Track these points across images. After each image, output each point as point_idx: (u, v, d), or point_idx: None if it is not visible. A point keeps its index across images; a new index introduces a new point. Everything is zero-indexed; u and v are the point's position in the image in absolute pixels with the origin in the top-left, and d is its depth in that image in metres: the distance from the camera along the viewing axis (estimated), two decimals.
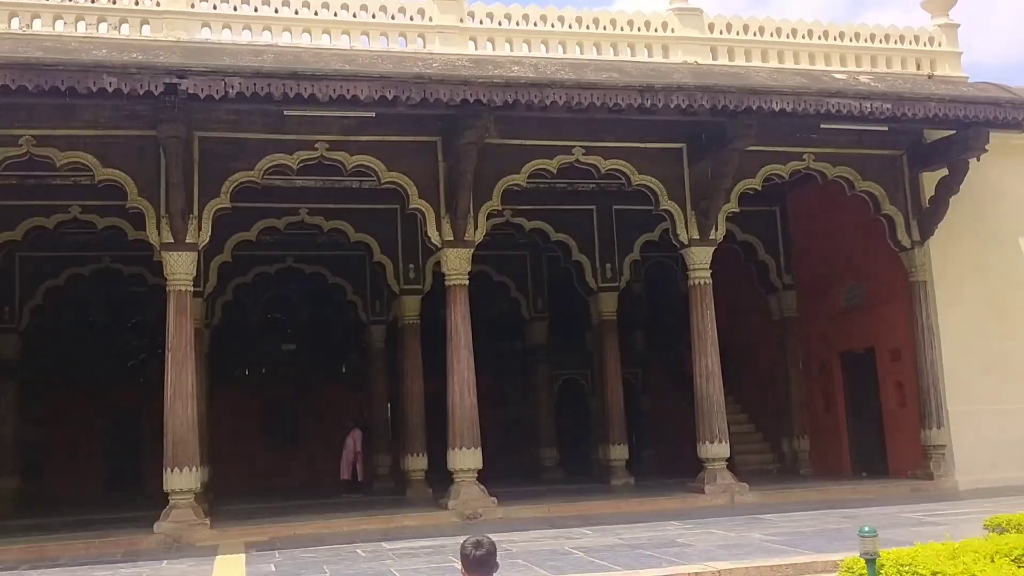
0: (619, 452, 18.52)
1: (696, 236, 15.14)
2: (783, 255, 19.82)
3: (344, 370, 26.16)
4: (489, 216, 14.61)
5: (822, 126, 14.65)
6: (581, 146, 14.77)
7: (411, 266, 17.92)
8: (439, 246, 14.25)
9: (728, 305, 20.21)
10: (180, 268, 13.14)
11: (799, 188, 19.08)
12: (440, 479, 17.88)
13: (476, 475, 13.90)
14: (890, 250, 16.48)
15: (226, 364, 24.93)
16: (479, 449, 13.88)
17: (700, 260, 15.18)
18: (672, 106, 13.30)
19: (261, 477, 24.48)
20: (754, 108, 12.86)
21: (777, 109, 12.92)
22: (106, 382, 24.62)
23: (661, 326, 24.38)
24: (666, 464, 21.66)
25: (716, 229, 15.20)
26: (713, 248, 15.30)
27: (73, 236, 18.29)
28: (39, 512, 18.61)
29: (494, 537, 4.17)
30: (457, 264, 14.17)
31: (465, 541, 3.97)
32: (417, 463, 17.56)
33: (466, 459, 13.74)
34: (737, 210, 15.84)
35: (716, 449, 14.73)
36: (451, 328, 14.13)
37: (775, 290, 19.73)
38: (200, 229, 13.37)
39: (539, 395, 22.94)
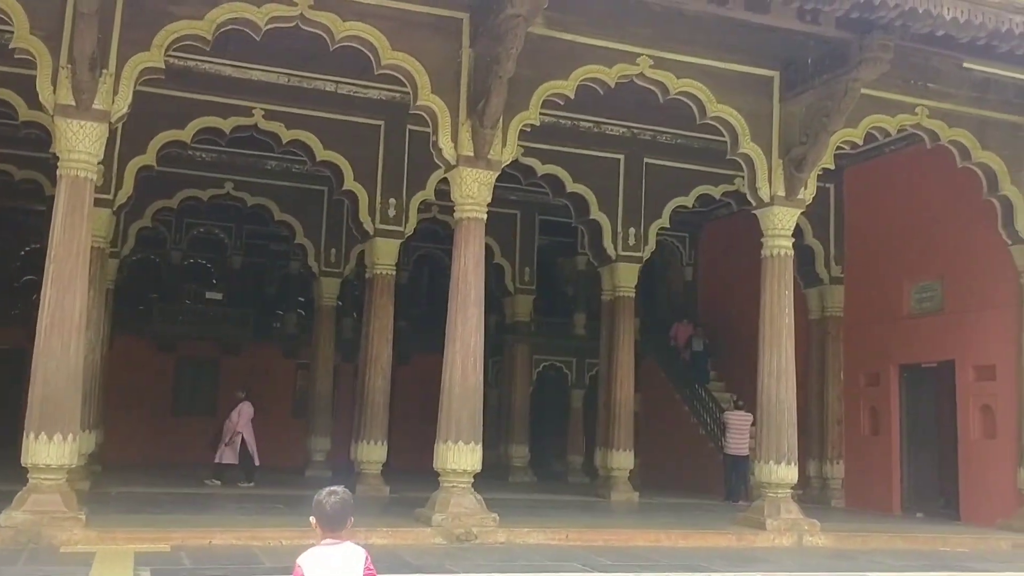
0: (623, 460, 14.91)
1: (781, 192, 11.55)
2: (833, 241, 16.45)
3: (280, 328, 22.01)
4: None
5: (964, 65, 11.24)
6: (649, 55, 11.03)
7: (392, 201, 13.94)
8: (452, 162, 10.36)
9: (748, 292, 16.91)
10: (81, 143, 8.98)
11: (860, 162, 15.76)
12: (397, 476, 14.07)
13: (472, 480, 10.07)
14: (991, 242, 13.22)
15: (133, 307, 20.58)
16: (479, 445, 10.05)
17: (782, 224, 11.58)
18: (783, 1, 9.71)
19: (165, 450, 20.14)
20: (920, 10, 9.24)
21: (948, 17, 9.35)
22: None
23: (657, 315, 20.89)
24: (659, 477, 18.11)
25: (806, 188, 11.64)
26: (800, 211, 11.75)
27: None
28: None
29: None
30: (475, 190, 10.30)
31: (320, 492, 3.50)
32: (373, 453, 13.61)
33: (462, 458, 9.88)
34: (832, 167, 12.33)
35: (783, 472, 11.16)
36: (457, 275, 10.30)
37: (818, 282, 16.36)
38: (116, 92, 9.22)
39: (515, 382, 19.20)
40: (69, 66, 8.90)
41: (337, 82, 13.41)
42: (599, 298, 17.44)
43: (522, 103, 10.51)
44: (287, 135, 13.55)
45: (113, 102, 9.17)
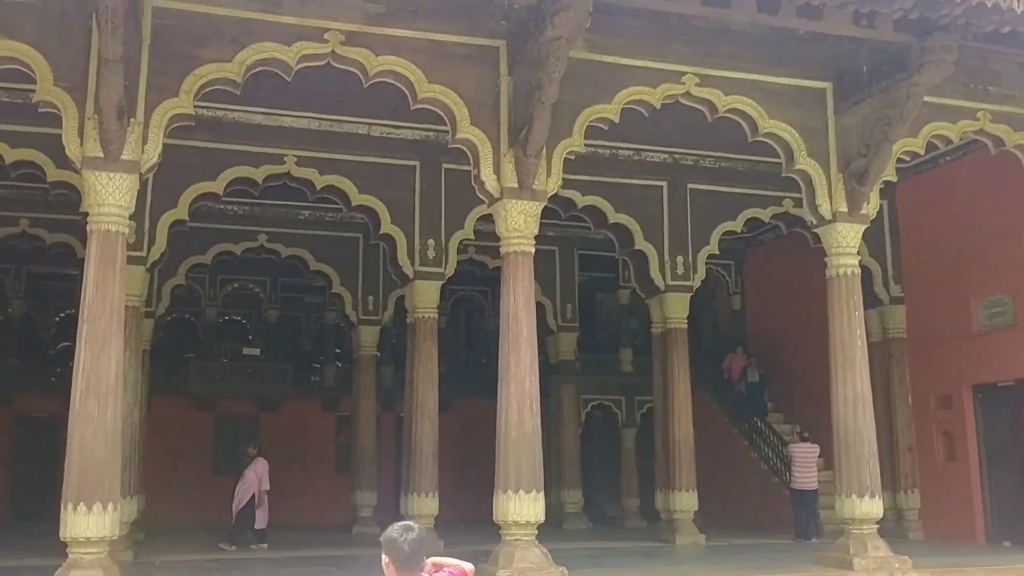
0: (687, 501, 14.16)
1: (843, 208, 10.91)
2: (890, 260, 15.74)
3: (318, 381, 21.55)
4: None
5: None
6: (694, 73, 10.52)
7: (430, 242, 13.46)
8: (496, 195, 9.85)
9: (804, 317, 16.18)
10: (111, 196, 8.58)
11: (912, 175, 15.10)
12: (449, 528, 13.41)
13: (535, 531, 9.42)
14: None
15: (169, 368, 20.23)
16: (541, 494, 9.41)
17: (846, 241, 10.90)
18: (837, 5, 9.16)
19: (207, 510, 19.58)
20: (988, 4, 8.66)
21: (1020, 11, 8.76)
22: (17, 382, 19.76)
23: (704, 347, 20.17)
24: (721, 517, 17.24)
25: (869, 202, 11.01)
26: (864, 227, 11.09)
27: None
28: None
29: None
30: (522, 223, 9.78)
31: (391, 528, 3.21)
32: (425, 505, 12.94)
33: (524, 508, 9.24)
34: (893, 179, 11.71)
35: (867, 506, 10.38)
36: (508, 312, 9.71)
37: (878, 303, 15.59)
38: (145, 141, 8.84)
39: (563, 423, 18.50)
40: (95, 116, 8.54)
41: (370, 124, 13.06)
42: (645, 332, 16.85)
43: (565, 129, 10.01)
44: (321, 181, 13.17)
45: (143, 152, 8.78)
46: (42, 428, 19.01)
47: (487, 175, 9.80)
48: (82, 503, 8.01)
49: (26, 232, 15.47)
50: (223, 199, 14.42)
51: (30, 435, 20.24)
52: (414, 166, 13.55)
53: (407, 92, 9.85)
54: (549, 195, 9.98)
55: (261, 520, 14.33)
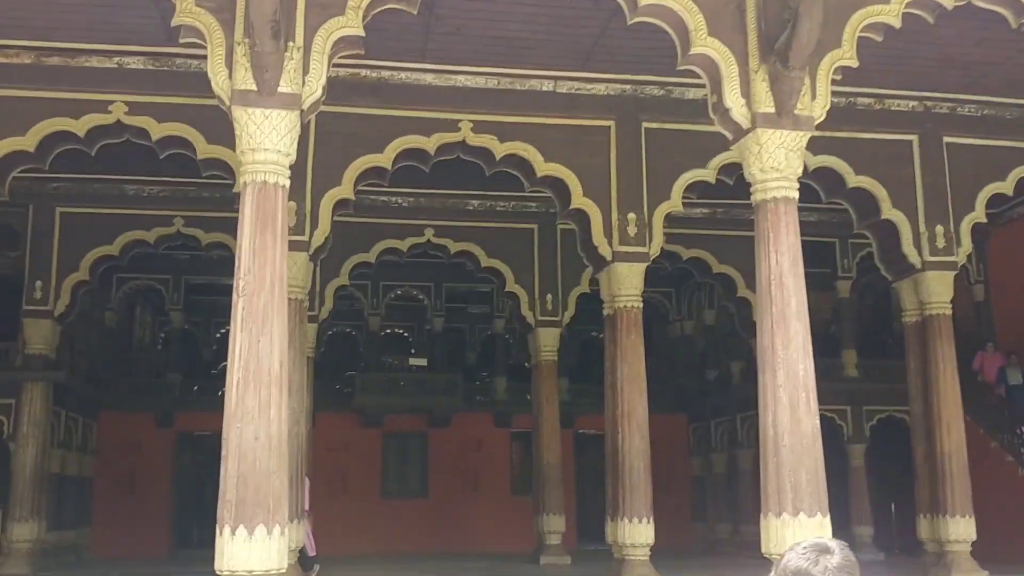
0: (963, 529, 11.21)
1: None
2: None
3: (488, 395, 19.68)
4: None
5: None
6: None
7: (631, 216, 11.23)
8: (745, 124, 7.54)
9: None
10: (267, 138, 6.82)
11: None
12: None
13: None
14: None
15: (332, 383, 18.81)
16: (827, 519, 6.97)
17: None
18: None
19: (375, 538, 17.98)
20: None
21: None
22: (179, 399, 18.80)
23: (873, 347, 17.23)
24: (984, 546, 14.11)
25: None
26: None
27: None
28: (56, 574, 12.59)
29: None
30: (782, 159, 7.45)
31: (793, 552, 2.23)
32: (638, 534, 10.61)
33: (803, 536, 6.83)
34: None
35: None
36: (768, 278, 7.35)
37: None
38: (306, 70, 7.04)
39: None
40: (246, 40, 6.82)
41: (556, 78, 11.06)
42: (871, 327, 14.10)
43: (831, 38, 7.65)
44: (500, 149, 11.21)
45: (304, 83, 6.99)
46: (205, 448, 17.85)
47: (732, 99, 7.54)
48: (241, 526, 6.19)
49: (180, 232, 14.31)
50: (387, 190, 12.99)
51: (193, 456, 19.24)
52: (608, 126, 11.42)
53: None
54: (817, 123, 7.61)
55: (309, 546, 12.09)
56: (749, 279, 14.83)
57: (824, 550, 2.23)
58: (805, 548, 2.25)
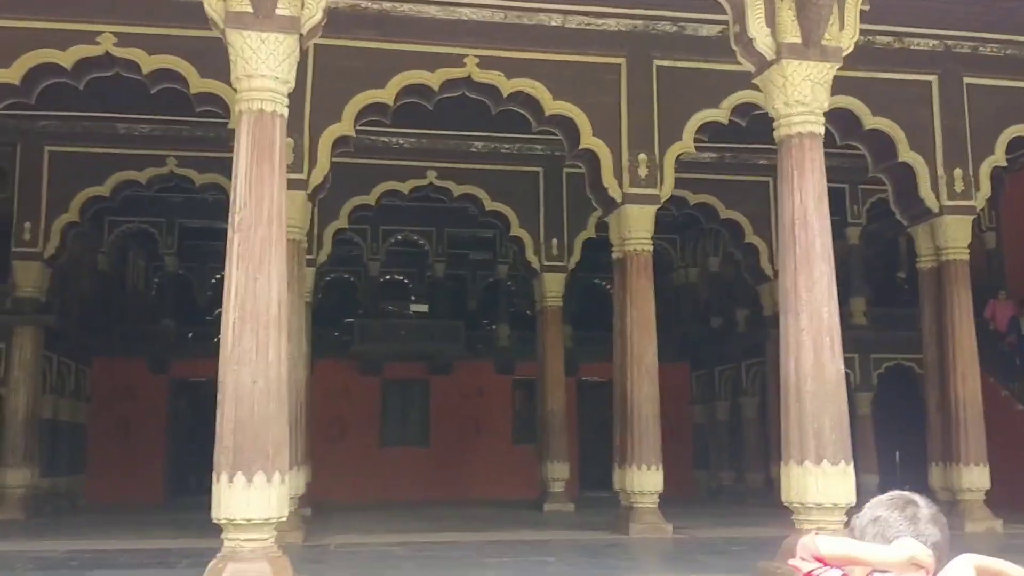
0: (976, 478, 11.00)
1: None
2: None
3: (491, 342, 19.42)
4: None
5: None
6: None
7: (641, 157, 10.84)
8: (770, 55, 7.12)
9: None
10: (264, 64, 6.38)
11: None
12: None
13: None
14: None
15: (330, 329, 18.52)
16: (851, 466, 6.73)
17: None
18: None
19: (373, 486, 17.84)
20: None
21: None
22: (173, 345, 18.52)
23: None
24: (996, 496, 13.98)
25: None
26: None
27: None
28: (50, 520, 12.40)
29: None
30: (807, 92, 7.01)
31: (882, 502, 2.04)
32: (647, 481, 10.40)
33: (831, 486, 6.55)
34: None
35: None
36: (791, 217, 6.96)
37: None
38: None
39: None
40: None
41: (565, 12, 10.56)
42: (889, 273, 13.77)
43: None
44: (507, 86, 10.76)
45: (303, 4, 6.55)
46: (200, 395, 17.62)
47: (757, 29, 7.10)
48: (239, 472, 5.89)
49: (174, 172, 13.87)
50: (388, 130, 12.60)
51: (188, 402, 19.02)
52: (619, 64, 10.97)
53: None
54: (845, 54, 7.20)
55: None
56: (757, 225, 14.95)
57: (910, 501, 2.08)
58: (892, 498, 2.10)
